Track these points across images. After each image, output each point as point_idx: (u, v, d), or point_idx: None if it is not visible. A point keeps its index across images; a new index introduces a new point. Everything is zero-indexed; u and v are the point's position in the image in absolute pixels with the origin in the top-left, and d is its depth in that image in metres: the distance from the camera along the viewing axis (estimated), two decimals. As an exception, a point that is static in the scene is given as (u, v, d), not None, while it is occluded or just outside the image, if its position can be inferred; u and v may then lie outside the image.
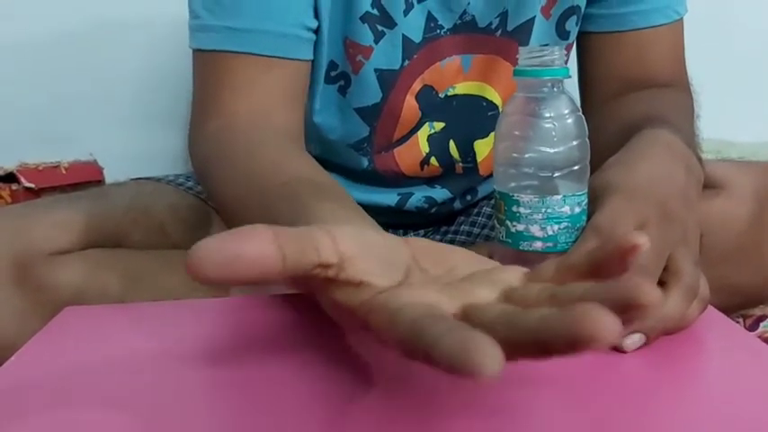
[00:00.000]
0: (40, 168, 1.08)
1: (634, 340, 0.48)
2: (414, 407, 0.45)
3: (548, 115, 0.51)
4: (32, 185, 1.09)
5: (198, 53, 0.72)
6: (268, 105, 0.69)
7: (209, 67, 0.71)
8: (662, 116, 0.65)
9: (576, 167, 0.51)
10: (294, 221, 0.45)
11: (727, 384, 0.47)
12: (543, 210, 0.50)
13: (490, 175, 0.88)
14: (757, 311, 0.88)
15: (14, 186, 1.09)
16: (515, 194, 0.51)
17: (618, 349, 0.49)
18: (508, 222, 0.52)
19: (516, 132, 0.51)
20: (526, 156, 0.51)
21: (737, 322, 0.89)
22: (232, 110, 0.68)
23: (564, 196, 0.50)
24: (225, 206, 0.62)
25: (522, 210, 0.51)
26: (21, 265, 0.66)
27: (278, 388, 0.47)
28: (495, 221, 0.54)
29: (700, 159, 0.62)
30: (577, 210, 0.51)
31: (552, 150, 0.50)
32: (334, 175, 0.86)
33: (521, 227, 0.51)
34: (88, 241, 0.69)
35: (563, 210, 0.50)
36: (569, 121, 0.51)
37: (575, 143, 0.51)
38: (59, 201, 0.72)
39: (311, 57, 0.73)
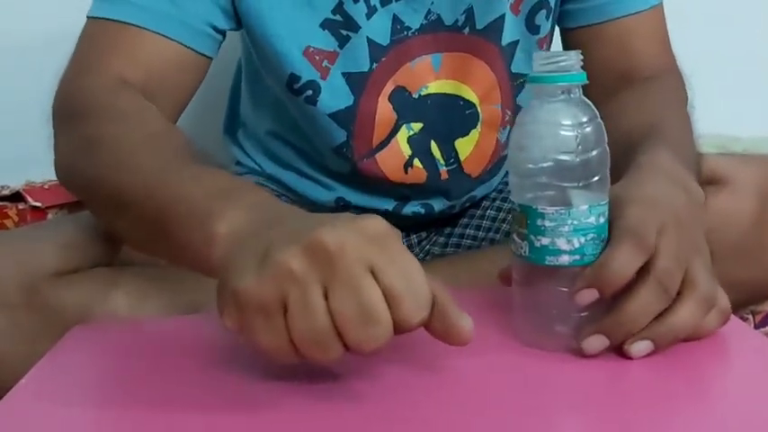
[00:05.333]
0: (47, 187, 1.08)
1: (640, 348, 0.49)
2: (416, 412, 0.45)
3: (566, 123, 0.49)
4: (39, 204, 1.08)
5: (92, 21, 0.73)
6: (153, 83, 0.70)
7: (100, 34, 0.71)
8: (658, 129, 0.65)
9: (597, 177, 0.49)
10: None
11: (731, 382, 0.47)
12: (569, 222, 0.49)
13: (480, 176, 0.87)
14: (767, 307, 0.87)
15: (21, 206, 1.09)
16: (539, 207, 0.49)
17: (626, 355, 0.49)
18: (532, 237, 0.50)
19: (533, 141, 0.50)
20: (545, 166, 0.49)
21: (747, 318, 0.89)
22: (115, 73, 0.69)
23: (590, 206, 0.49)
24: (113, 149, 0.61)
25: (547, 223, 0.49)
26: (29, 287, 0.65)
27: (288, 401, 0.47)
28: (515, 236, 0.51)
29: (699, 173, 0.63)
30: (602, 220, 0.50)
31: (573, 160, 0.49)
32: (327, 180, 0.87)
33: (546, 240, 0.49)
34: (95, 261, 0.69)
35: (589, 220, 0.49)
36: (588, 129, 0.49)
37: (594, 153, 0.49)
38: (65, 221, 0.72)
39: (211, 55, 0.75)
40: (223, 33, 0.76)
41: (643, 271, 0.48)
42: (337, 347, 0.43)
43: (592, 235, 0.49)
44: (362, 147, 0.81)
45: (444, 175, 0.85)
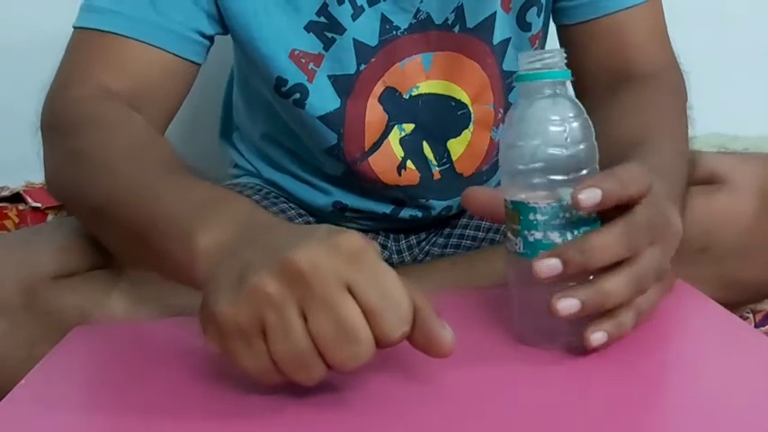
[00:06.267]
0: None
1: (566, 305, 0.47)
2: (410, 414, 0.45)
3: (554, 118, 0.49)
4: (39, 205, 1.09)
5: (77, 32, 0.72)
6: (140, 93, 0.70)
7: (86, 45, 0.71)
8: (648, 147, 0.64)
9: (585, 171, 0.50)
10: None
11: (730, 381, 0.47)
12: (561, 215, 0.49)
13: (473, 175, 0.86)
14: (767, 306, 0.88)
15: (21, 206, 1.10)
16: (530, 201, 0.49)
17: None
18: (525, 232, 0.50)
19: (522, 139, 0.50)
20: (534, 162, 0.49)
21: (747, 317, 0.89)
22: (101, 83, 0.69)
23: None
24: (97, 160, 0.62)
25: (539, 217, 0.49)
26: (28, 290, 0.65)
27: (284, 406, 0.47)
28: (509, 234, 0.51)
29: (684, 189, 0.63)
30: (593, 214, 0.50)
31: (562, 153, 0.49)
32: (323, 184, 0.87)
33: (538, 234, 0.49)
34: (94, 263, 0.69)
35: (580, 214, 0.49)
36: (575, 124, 0.50)
37: (582, 146, 0.49)
38: (63, 224, 0.72)
39: (199, 61, 0.74)
40: (210, 38, 0.75)
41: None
42: (320, 367, 0.43)
43: (584, 228, 0.49)
44: (354, 149, 0.81)
45: (437, 176, 0.84)
